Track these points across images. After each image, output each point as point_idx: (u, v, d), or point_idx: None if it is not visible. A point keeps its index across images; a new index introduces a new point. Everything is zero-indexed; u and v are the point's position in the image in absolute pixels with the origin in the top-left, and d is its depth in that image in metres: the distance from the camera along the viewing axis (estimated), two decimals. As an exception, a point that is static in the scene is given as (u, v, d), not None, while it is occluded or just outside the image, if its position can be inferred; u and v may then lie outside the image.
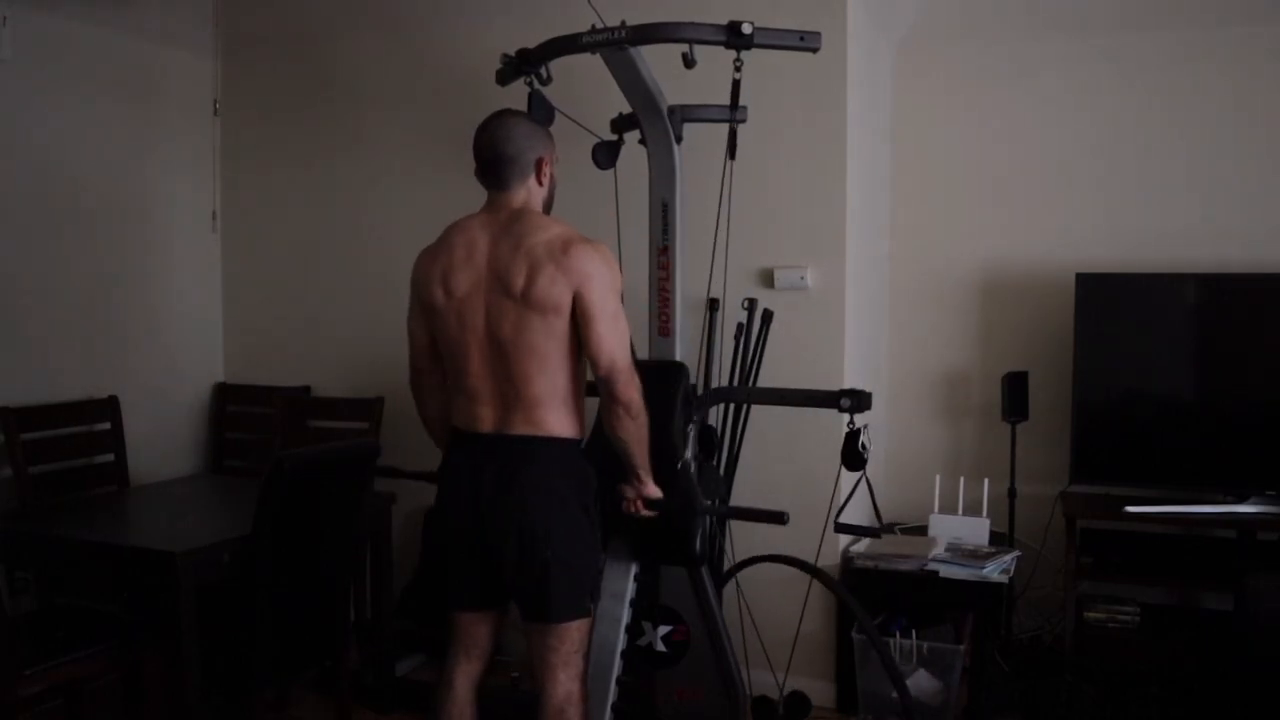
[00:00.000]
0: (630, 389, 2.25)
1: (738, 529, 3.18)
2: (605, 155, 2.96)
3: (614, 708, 2.70)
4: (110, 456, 3.72)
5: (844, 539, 3.36)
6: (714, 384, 3.32)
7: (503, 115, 2.35)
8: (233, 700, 3.04)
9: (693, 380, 2.87)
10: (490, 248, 2.25)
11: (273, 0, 4.07)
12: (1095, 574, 3.29)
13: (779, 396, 2.96)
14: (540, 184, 2.34)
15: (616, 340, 2.22)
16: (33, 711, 2.75)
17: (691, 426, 2.73)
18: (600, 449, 2.39)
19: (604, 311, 2.20)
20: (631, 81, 2.70)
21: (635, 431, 2.30)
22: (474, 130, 2.35)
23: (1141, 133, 3.60)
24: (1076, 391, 3.42)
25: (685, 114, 2.82)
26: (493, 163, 2.29)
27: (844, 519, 2.69)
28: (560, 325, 2.20)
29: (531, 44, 2.79)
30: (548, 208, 2.38)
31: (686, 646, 2.81)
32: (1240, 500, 3.25)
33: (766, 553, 2.94)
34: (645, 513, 2.42)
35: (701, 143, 2.90)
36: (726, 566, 3.14)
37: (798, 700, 3.20)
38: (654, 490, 2.40)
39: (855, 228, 3.42)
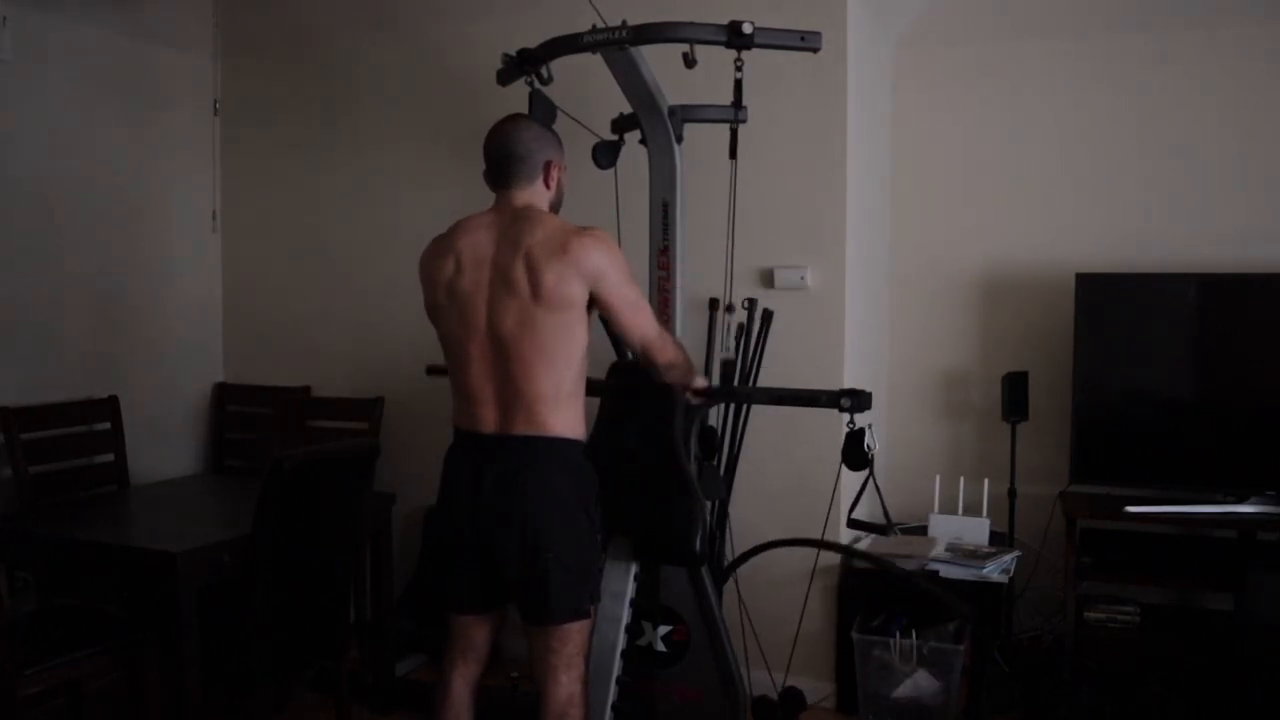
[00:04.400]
0: (666, 353, 2.38)
1: (738, 531, 3.17)
2: (605, 155, 2.96)
3: (614, 708, 2.70)
4: (110, 456, 3.72)
5: (846, 538, 3.36)
6: (714, 384, 3.32)
7: (514, 118, 2.37)
8: (233, 700, 3.04)
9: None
10: (494, 247, 2.25)
11: (273, 0, 4.06)
12: (1095, 574, 3.28)
13: (779, 396, 2.96)
14: (547, 187, 2.34)
15: (643, 321, 2.33)
16: (33, 711, 2.75)
17: (692, 427, 2.73)
18: (600, 449, 2.39)
19: (625, 302, 2.27)
20: (632, 81, 2.70)
21: (682, 374, 2.48)
22: (474, 129, 2.35)
23: (1142, 133, 3.60)
24: (1076, 391, 3.42)
25: (686, 114, 2.82)
26: (501, 162, 2.30)
27: (852, 516, 2.71)
28: (571, 320, 2.21)
29: (532, 44, 2.79)
30: (554, 213, 2.38)
31: (686, 646, 2.81)
32: (1240, 500, 3.24)
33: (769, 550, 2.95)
34: (697, 400, 2.64)
35: (702, 143, 2.90)
36: (727, 562, 3.14)
37: (793, 696, 3.20)
38: (702, 382, 2.59)
39: (855, 228, 3.42)
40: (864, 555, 3.18)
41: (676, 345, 2.45)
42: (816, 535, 3.07)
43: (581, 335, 2.25)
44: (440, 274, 2.29)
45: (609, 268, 2.22)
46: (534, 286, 2.18)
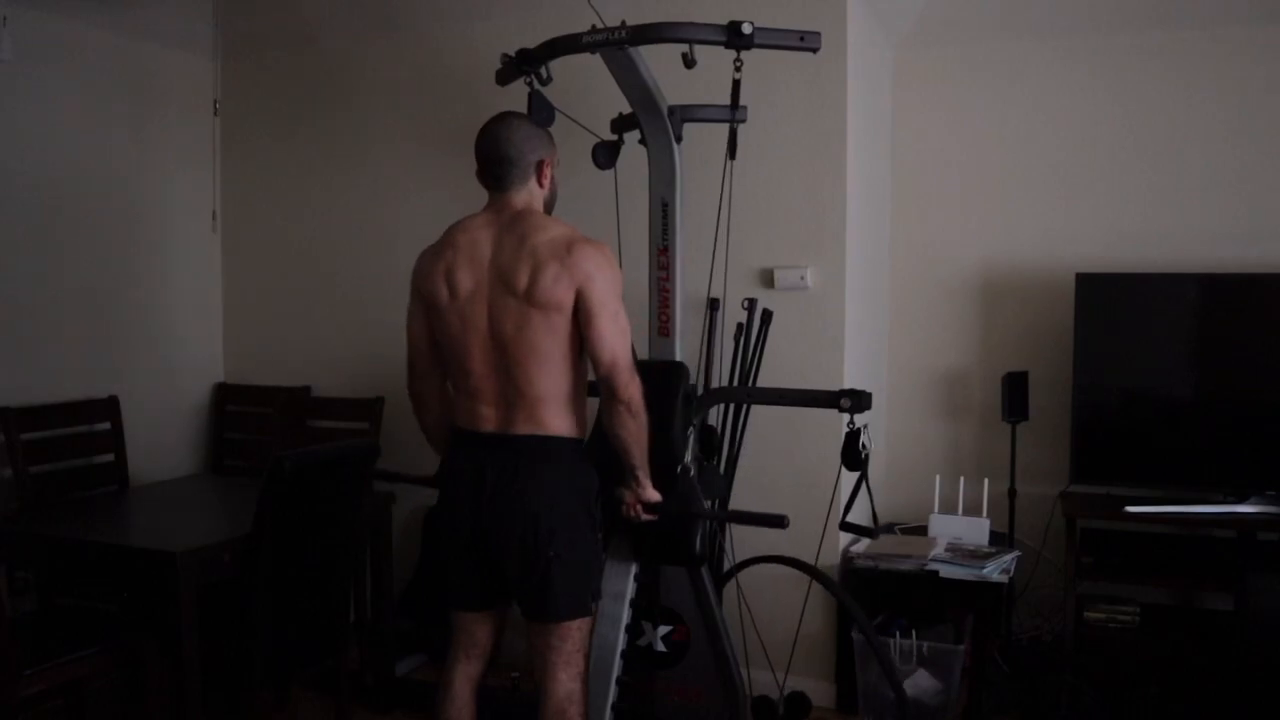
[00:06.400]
0: (631, 387, 2.24)
1: (738, 528, 3.17)
2: (605, 155, 2.96)
3: (614, 708, 2.70)
4: (110, 456, 3.72)
5: (844, 539, 3.36)
6: (714, 384, 3.32)
7: (505, 117, 2.35)
8: (233, 700, 3.04)
9: (692, 380, 2.87)
10: (494, 246, 2.25)
11: (273, 0, 4.06)
12: (1095, 574, 3.28)
13: (779, 396, 2.96)
14: (541, 186, 2.35)
15: (618, 338, 2.22)
16: (33, 711, 2.75)
17: (692, 427, 2.73)
18: (601, 449, 2.39)
19: (605, 309, 2.20)
20: (631, 81, 2.70)
21: (636, 431, 2.29)
22: (474, 130, 2.35)
23: (1141, 133, 3.60)
24: (1076, 391, 3.42)
25: (685, 114, 2.81)
26: (494, 164, 2.30)
27: (846, 518, 2.70)
28: (562, 323, 2.21)
29: (532, 44, 2.79)
30: (548, 210, 2.39)
31: (686, 646, 2.81)
32: (1240, 500, 3.24)
33: (767, 553, 2.94)
34: (645, 516, 2.41)
35: (701, 143, 2.90)
36: (726, 566, 3.14)
37: (798, 700, 3.20)
38: (653, 494, 2.39)
39: (855, 228, 3.42)
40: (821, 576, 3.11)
41: (643, 399, 2.27)
42: (816, 535, 3.06)
43: (574, 339, 2.24)
44: (438, 272, 2.29)
45: (600, 273, 2.20)
46: (532, 284, 2.18)
